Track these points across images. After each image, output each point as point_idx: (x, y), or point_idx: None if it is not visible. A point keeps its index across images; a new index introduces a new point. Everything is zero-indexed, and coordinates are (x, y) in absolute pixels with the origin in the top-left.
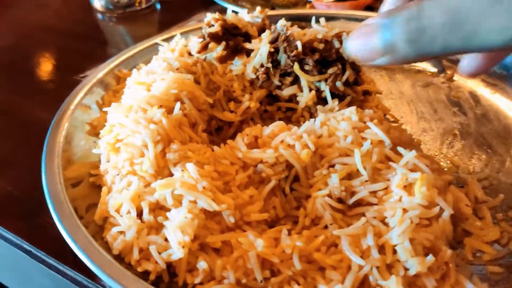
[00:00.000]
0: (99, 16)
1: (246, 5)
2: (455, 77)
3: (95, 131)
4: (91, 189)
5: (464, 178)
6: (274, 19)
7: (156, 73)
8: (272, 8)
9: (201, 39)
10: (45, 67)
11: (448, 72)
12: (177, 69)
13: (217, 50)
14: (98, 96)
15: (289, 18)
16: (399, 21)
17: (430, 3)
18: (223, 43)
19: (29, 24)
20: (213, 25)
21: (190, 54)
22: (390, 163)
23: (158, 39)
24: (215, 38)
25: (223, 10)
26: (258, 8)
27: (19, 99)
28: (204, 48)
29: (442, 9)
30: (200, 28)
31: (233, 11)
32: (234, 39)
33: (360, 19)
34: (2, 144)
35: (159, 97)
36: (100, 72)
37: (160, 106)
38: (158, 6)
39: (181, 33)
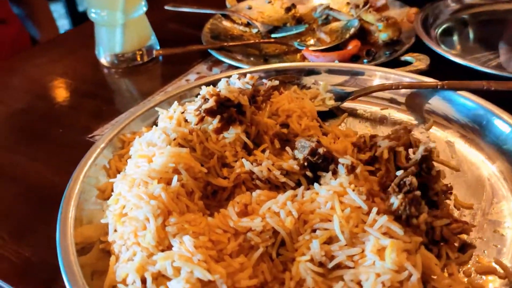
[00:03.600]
0: (106, 71)
1: (238, 57)
2: (433, 128)
3: (103, 195)
4: (101, 254)
5: None
6: (264, 74)
7: (156, 145)
8: (265, 60)
9: (197, 112)
10: (57, 128)
11: (427, 123)
12: (174, 139)
13: (213, 122)
14: (106, 159)
15: (278, 71)
16: None
17: None
18: (218, 116)
19: (42, 82)
20: (207, 99)
21: (186, 120)
22: (366, 227)
23: (157, 100)
24: (211, 113)
25: (217, 62)
26: (248, 75)
27: (34, 163)
28: (201, 120)
29: None
30: (193, 88)
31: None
32: (227, 111)
33: (344, 71)
34: (20, 209)
35: (158, 170)
36: (107, 136)
37: (160, 178)
38: (161, 58)
39: (177, 94)
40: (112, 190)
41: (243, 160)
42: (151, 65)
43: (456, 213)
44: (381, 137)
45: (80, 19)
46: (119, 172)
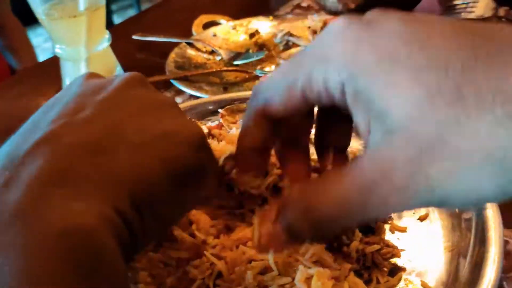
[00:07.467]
0: None
1: (202, 85)
2: None
3: None
4: None
5: None
6: (225, 103)
7: None
8: (224, 88)
9: None
10: None
11: None
12: None
13: None
14: None
15: (240, 100)
16: None
17: None
18: None
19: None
20: None
21: None
22: (298, 256)
23: None
24: None
25: (180, 91)
26: None
27: None
28: None
29: None
30: None
31: None
32: None
33: None
34: None
35: None
36: None
37: None
38: None
39: None
40: None
41: None
42: None
43: (391, 236)
44: None
45: None
46: None
